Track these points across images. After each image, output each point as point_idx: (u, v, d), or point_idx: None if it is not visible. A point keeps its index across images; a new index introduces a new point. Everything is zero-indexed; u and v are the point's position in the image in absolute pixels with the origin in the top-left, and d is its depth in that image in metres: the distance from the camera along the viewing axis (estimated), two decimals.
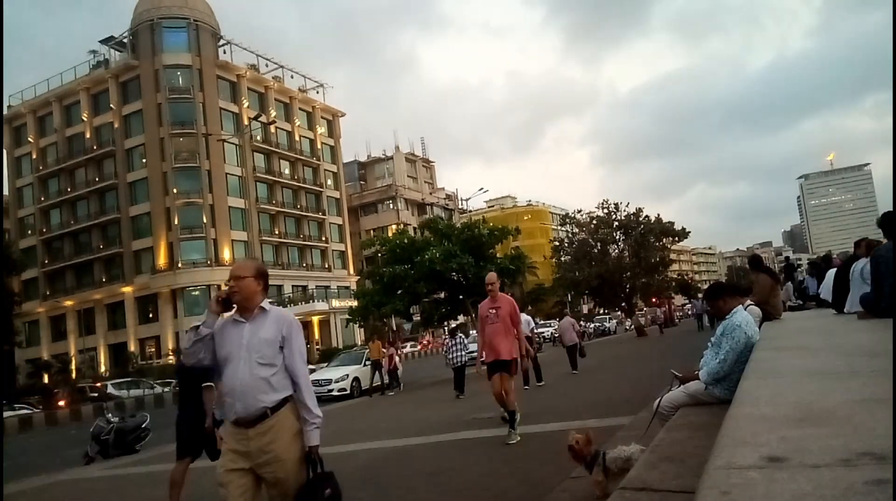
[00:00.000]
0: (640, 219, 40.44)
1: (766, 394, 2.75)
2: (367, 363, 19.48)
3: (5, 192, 65.11)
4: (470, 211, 79.82)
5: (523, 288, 61.01)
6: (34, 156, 62.03)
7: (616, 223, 40.85)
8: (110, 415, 12.73)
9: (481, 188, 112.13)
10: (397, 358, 19.50)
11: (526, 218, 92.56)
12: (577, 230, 43.28)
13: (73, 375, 49.33)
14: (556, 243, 46.16)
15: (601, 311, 45.04)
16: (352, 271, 70.52)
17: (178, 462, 5.88)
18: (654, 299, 50.27)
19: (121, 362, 49.67)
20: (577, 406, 9.68)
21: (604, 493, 4.17)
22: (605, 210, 41.08)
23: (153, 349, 53.76)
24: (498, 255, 23.03)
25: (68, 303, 57.82)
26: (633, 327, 38.62)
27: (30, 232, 62.02)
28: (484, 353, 7.31)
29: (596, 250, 41.05)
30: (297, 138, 66.21)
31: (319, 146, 69.43)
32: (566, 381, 15.31)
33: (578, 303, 45.76)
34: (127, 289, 55.40)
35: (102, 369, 52.01)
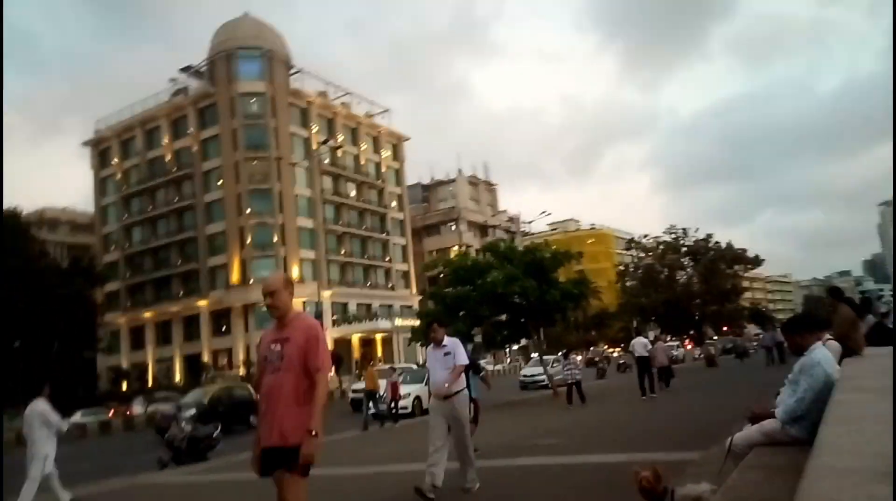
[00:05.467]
0: (710, 245, 39.15)
1: (848, 444, 2.61)
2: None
3: (91, 210, 69.40)
4: (532, 234, 79.41)
5: (587, 312, 60.00)
6: (118, 177, 65.81)
7: (684, 249, 39.69)
8: (184, 424, 13.18)
9: (544, 212, 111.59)
10: (401, 390, 17.67)
11: (589, 242, 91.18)
12: (643, 255, 42.26)
13: (150, 383, 51.55)
14: (622, 268, 45.22)
15: (668, 338, 43.77)
16: (414, 291, 71.12)
17: None
18: (725, 328, 48.41)
19: (195, 372, 51.55)
20: (643, 437, 9.46)
21: None
22: (673, 235, 40.02)
23: (225, 361, 55.63)
24: (561, 279, 22.77)
25: (147, 315, 60.67)
26: (702, 355, 37.40)
27: (113, 247, 65.60)
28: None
29: (663, 276, 39.96)
30: (363, 162, 67.78)
31: (384, 169, 70.82)
32: (633, 407, 15.06)
33: (644, 329, 44.62)
34: (202, 303, 57.71)
35: (177, 378, 54.07)
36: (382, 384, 17.66)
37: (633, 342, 18.72)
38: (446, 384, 6.45)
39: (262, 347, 3.69)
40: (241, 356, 53.13)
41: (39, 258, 41.50)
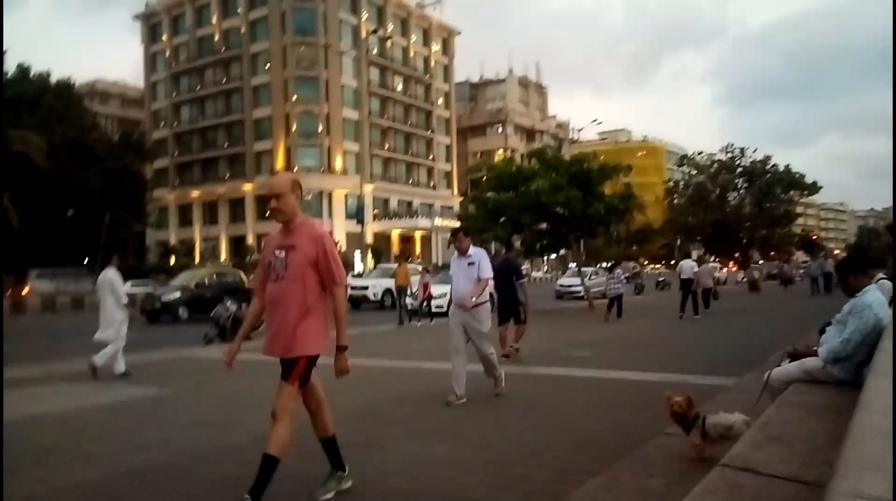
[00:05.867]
0: (767, 167, 37.50)
1: None
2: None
3: (142, 85, 69.71)
4: (580, 142, 77.37)
5: (630, 227, 59.35)
6: (168, 53, 65.50)
7: (739, 170, 38.14)
8: (229, 303, 13.72)
9: (595, 120, 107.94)
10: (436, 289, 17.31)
11: (639, 154, 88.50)
12: (694, 173, 40.80)
13: (197, 260, 53.64)
14: (671, 184, 43.95)
15: (712, 259, 43.14)
16: (456, 192, 71.00)
17: (500, 324, 9.26)
18: (772, 253, 47.32)
19: (240, 253, 53.31)
20: (678, 358, 9.47)
21: (700, 456, 4.14)
22: (729, 154, 38.34)
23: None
24: (606, 191, 22.30)
25: (195, 194, 62.22)
26: (745, 279, 36.99)
27: (162, 124, 66.40)
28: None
29: (714, 196, 38.75)
30: (411, 55, 65.87)
31: (433, 64, 68.83)
32: (670, 327, 15.05)
33: (687, 249, 43.94)
34: (248, 187, 58.75)
35: (223, 257, 56.11)
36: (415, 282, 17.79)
37: (681, 263, 18.48)
38: (473, 298, 6.39)
39: (267, 252, 3.56)
40: None
41: (91, 130, 42.30)
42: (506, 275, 9.48)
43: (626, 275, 18.75)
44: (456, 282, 6.61)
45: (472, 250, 6.60)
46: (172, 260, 51.38)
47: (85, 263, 35.16)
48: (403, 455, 4.58)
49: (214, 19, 61.66)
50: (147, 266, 44.18)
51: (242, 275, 22.63)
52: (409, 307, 17.13)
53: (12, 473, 4.24)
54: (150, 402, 6.37)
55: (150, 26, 67.31)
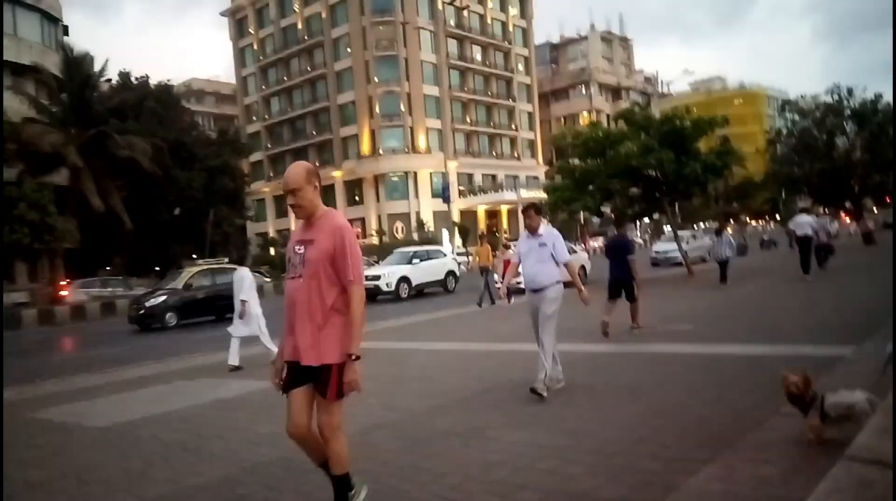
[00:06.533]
0: (879, 107, 34.26)
1: None
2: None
3: (233, 80, 72.71)
4: (671, 95, 73.89)
5: (728, 183, 56.27)
6: (255, 47, 67.98)
7: (848, 112, 35.07)
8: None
9: (685, 70, 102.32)
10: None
11: (736, 103, 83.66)
12: (798, 118, 37.91)
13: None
14: (773, 133, 41.12)
15: (822, 211, 40.17)
16: (540, 161, 69.85)
17: (609, 300, 9.45)
18: (888, 200, 43.58)
19: None
20: (789, 326, 8.93)
21: (819, 440, 3.90)
22: (836, 96, 35.32)
23: (359, 229, 58.93)
24: (702, 147, 21.11)
25: None
26: (857, 232, 34.28)
27: (254, 118, 69.23)
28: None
29: (821, 143, 35.95)
30: (489, 21, 64.86)
31: (511, 29, 67.49)
32: (778, 290, 14.24)
33: (792, 201, 41.04)
34: (337, 173, 60.44)
35: None
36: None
37: (795, 218, 17.26)
38: (557, 281, 6.02)
39: (289, 248, 3.36)
40: (373, 225, 55.83)
41: (190, 130, 44.65)
42: (618, 252, 9.64)
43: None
44: (525, 262, 6.18)
45: (544, 228, 6.22)
46: (272, 251, 53.72)
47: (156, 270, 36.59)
48: (504, 444, 4.58)
49: (297, 7, 63.22)
50: (251, 259, 46.29)
51: (245, 270, 20.58)
52: (489, 289, 15.94)
53: (143, 473, 4.59)
54: (263, 396, 6.67)
55: (237, 21, 70.03)
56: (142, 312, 17.53)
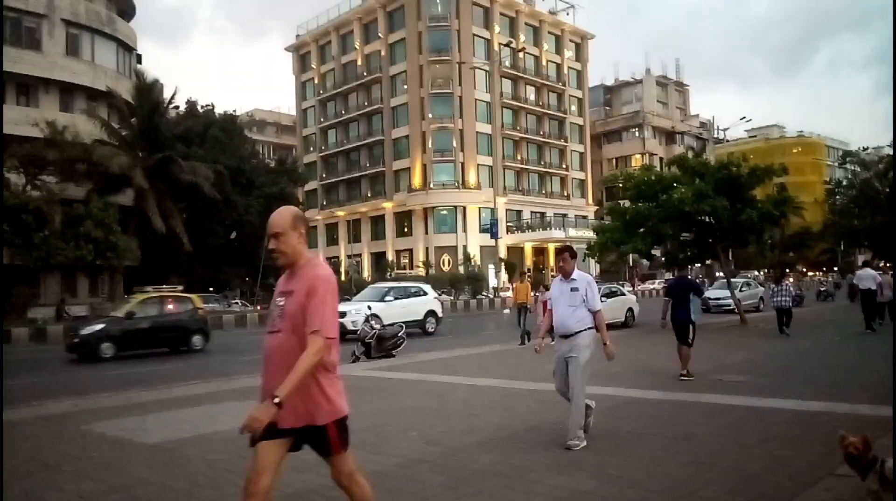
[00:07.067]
0: None
1: None
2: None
3: (293, 112, 75.14)
4: (727, 141, 72.76)
5: (785, 231, 54.73)
6: (316, 81, 70.35)
7: None
8: (374, 322, 14.50)
9: (743, 117, 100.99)
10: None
11: (795, 151, 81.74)
12: (859, 170, 36.87)
13: (343, 276, 56.79)
14: (833, 184, 40.03)
15: (882, 264, 38.58)
16: (590, 201, 69.50)
17: (680, 343, 9.58)
18: None
19: (380, 268, 55.75)
20: (847, 383, 8.60)
21: None
22: None
23: (407, 260, 59.48)
24: (758, 196, 20.68)
25: (340, 213, 66.08)
26: None
27: (311, 149, 71.34)
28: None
29: (882, 196, 34.81)
30: (543, 63, 65.62)
31: (566, 71, 68.11)
32: (836, 343, 13.80)
33: (851, 254, 39.49)
34: (388, 205, 61.44)
35: (366, 274, 58.94)
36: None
37: (858, 273, 16.97)
38: (588, 327, 5.79)
39: (272, 301, 3.12)
40: (420, 256, 56.30)
41: (250, 158, 46.25)
42: (681, 294, 9.69)
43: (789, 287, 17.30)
44: (556, 307, 5.95)
45: (577, 273, 5.94)
46: None
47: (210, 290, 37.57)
48: (547, 487, 4.53)
49: (357, 45, 65.31)
50: None
51: (195, 299, 18.31)
52: (525, 327, 15.87)
53: (188, 493, 4.71)
54: None
55: (300, 56, 72.82)
56: (76, 340, 15.86)
